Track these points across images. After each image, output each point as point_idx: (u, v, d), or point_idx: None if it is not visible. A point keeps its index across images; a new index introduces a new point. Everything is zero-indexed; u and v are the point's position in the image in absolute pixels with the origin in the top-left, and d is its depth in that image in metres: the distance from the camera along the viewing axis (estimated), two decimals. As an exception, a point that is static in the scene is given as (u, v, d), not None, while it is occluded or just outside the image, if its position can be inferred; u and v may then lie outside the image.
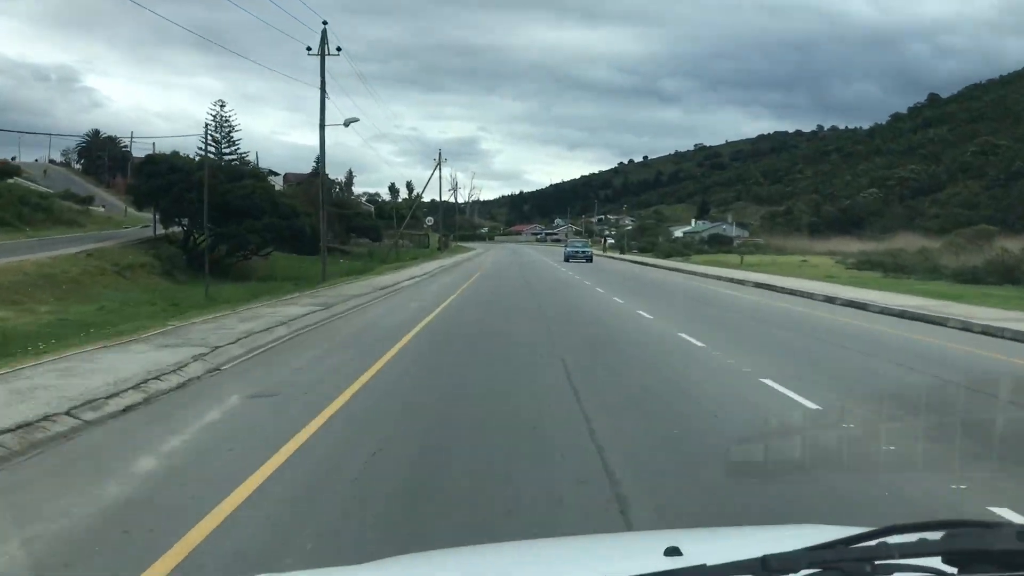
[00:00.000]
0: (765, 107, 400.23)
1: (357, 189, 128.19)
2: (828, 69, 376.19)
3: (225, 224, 31.51)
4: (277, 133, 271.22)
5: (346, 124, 26.12)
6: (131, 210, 51.44)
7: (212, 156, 69.16)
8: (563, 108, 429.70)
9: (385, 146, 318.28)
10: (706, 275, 35.66)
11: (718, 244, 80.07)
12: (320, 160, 26.31)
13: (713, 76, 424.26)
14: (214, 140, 77.30)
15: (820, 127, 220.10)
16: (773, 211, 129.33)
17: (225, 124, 78.92)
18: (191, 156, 36.32)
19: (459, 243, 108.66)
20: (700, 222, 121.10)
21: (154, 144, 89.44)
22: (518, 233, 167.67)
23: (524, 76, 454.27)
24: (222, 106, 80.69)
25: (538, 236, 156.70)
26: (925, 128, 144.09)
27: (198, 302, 21.98)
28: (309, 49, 26.23)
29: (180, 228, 35.49)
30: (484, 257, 61.57)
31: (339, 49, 27.09)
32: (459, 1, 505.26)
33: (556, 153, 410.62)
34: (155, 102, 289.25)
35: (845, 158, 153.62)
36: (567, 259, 51.65)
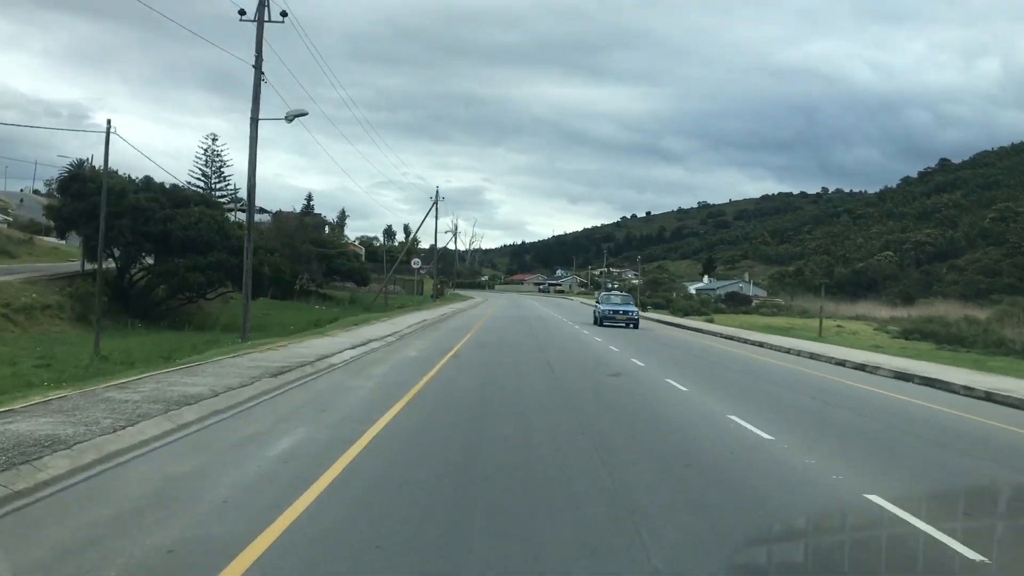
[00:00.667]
0: (767, 169, 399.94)
1: (353, 233, 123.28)
2: (830, 133, 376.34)
3: (166, 259, 25.37)
4: (281, 176, 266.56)
5: (288, 119, 19.87)
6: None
7: (200, 190, 64.03)
8: (566, 162, 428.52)
9: (391, 192, 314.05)
10: (798, 351, 24.86)
11: (736, 303, 74.69)
12: (250, 164, 19.99)
13: (716, 136, 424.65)
14: (203, 174, 72.46)
15: (824, 189, 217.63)
16: (782, 271, 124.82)
17: (216, 159, 74.17)
18: (130, 177, 29.85)
19: (457, 291, 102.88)
20: (709, 279, 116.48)
21: (92, 156, 79.44)
22: (519, 282, 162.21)
23: (529, 130, 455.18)
24: (214, 140, 76.23)
25: (540, 287, 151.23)
26: (938, 193, 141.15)
27: (83, 362, 15.75)
28: (243, 13, 19.52)
29: (113, 262, 28.87)
30: (482, 309, 53.48)
31: (284, 14, 20.28)
32: (468, 55, 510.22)
33: (558, 206, 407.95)
34: (162, 140, 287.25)
35: (855, 220, 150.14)
36: (600, 322, 35.64)
